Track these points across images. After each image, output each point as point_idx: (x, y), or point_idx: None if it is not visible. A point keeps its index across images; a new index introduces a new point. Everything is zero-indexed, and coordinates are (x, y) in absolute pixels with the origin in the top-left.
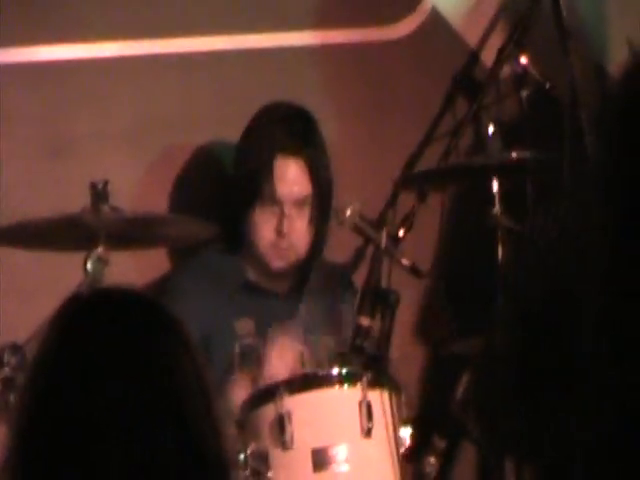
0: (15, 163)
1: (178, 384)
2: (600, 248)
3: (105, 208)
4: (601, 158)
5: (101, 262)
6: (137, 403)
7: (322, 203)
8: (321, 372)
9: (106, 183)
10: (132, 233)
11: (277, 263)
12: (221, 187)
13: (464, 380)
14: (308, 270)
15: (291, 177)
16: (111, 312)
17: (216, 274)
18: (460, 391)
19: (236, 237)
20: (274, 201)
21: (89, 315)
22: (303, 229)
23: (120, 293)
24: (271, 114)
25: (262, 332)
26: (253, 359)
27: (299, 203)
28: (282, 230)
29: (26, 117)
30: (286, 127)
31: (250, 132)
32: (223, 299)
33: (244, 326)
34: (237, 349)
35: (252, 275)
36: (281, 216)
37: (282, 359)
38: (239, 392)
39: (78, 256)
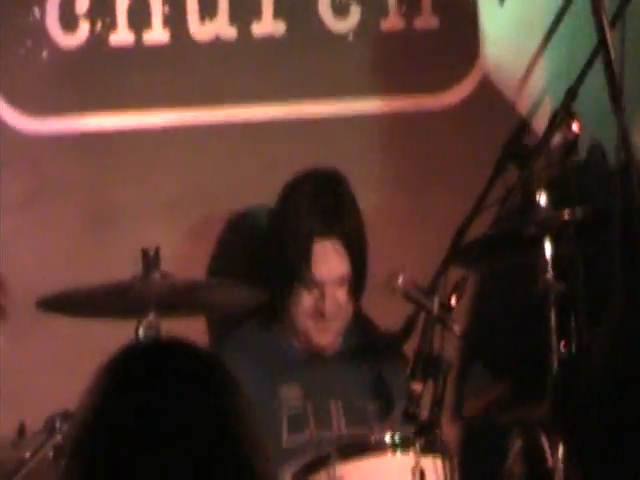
0: (61, 231)
1: (235, 436)
2: None
3: (156, 275)
4: None
5: (153, 329)
6: (192, 455)
7: (359, 275)
8: (373, 438)
9: (157, 250)
10: (182, 299)
11: (321, 340)
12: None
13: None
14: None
15: (329, 259)
16: (164, 361)
17: (257, 345)
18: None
19: (277, 307)
20: (313, 283)
21: (140, 364)
22: (344, 304)
23: (173, 344)
24: (302, 190)
25: (310, 396)
26: (301, 423)
27: (338, 282)
28: (323, 311)
29: (72, 186)
30: (319, 206)
31: (283, 211)
32: (265, 370)
33: (289, 392)
34: (285, 414)
35: (296, 342)
36: (321, 297)
37: None
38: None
39: (127, 323)
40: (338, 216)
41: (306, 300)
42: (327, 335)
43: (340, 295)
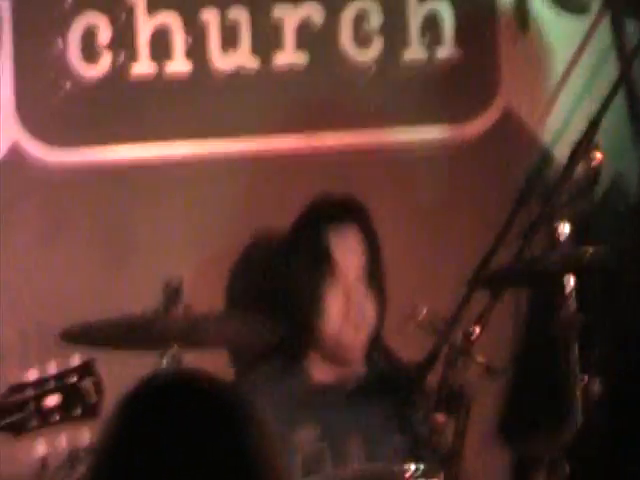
0: (81, 262)
1: (254, 470)
2: None
3: (178, 308)
4: None
5: (175, 362)
6: None
7: (376, 273)
8: (396, 471)
9: (180, 283)
10: (204, 332)
11: (353, 340)
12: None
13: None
14: (375, 364)
15: (349, 245)
16: (184, 395)
17: (277, 385)
18: None
19: (301, 338)
20: (337, 280)
21: (160, 397)
22: (366, 300)
23: (193, 377)
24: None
25: (328, 435)
26: (319, 467)
27: (359, 277)
28: (352, 308)
29: (92, 216)
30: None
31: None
32: (283, 410)
33: (305, 435)
34: (299, 461)
35: (319, 374)
36: (347, 297)
37: None
38: None
39: (149, 356)
40: (356, 210)
41: (334, 305)
42: (358, 334)
43: (361, 291)
